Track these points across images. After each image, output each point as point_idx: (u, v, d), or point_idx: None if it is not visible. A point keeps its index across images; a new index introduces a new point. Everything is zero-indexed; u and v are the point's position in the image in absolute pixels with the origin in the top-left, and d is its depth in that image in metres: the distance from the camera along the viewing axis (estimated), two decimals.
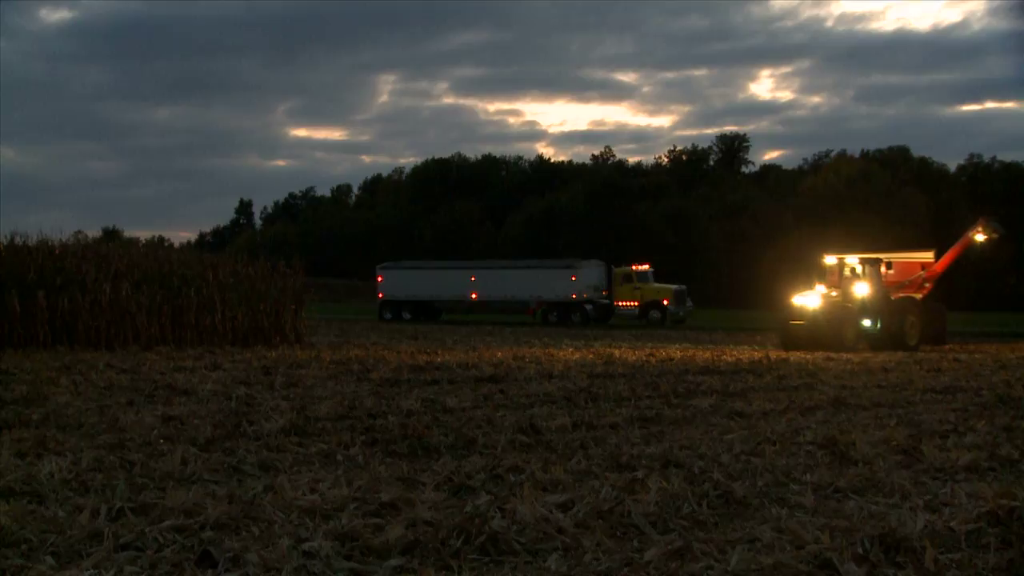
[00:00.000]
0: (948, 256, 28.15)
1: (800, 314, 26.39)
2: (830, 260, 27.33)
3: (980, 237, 27.73)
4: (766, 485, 6.78)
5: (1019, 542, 5.25)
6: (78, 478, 6.64)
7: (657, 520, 5.77)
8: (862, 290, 26.52)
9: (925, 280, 28.42)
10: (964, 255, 28.62)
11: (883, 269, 28.06)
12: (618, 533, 5.55)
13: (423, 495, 6.24)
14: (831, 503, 6.38)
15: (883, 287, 26.85)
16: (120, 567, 4.73)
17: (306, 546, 5.06)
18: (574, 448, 8.40)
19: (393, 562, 4.95)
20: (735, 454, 8.03)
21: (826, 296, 26.58)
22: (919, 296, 28.38)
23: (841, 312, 26.12)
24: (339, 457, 7.82)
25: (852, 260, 27.00)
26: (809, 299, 26.45)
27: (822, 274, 27.31)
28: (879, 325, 26.22)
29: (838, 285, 26.77)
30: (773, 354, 23.00)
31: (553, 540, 5.32)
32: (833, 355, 23.09)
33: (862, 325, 26.22)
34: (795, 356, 22.72)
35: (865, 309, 26.33)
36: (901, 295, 27.54)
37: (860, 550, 5.04)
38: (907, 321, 26.50)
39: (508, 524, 5.45)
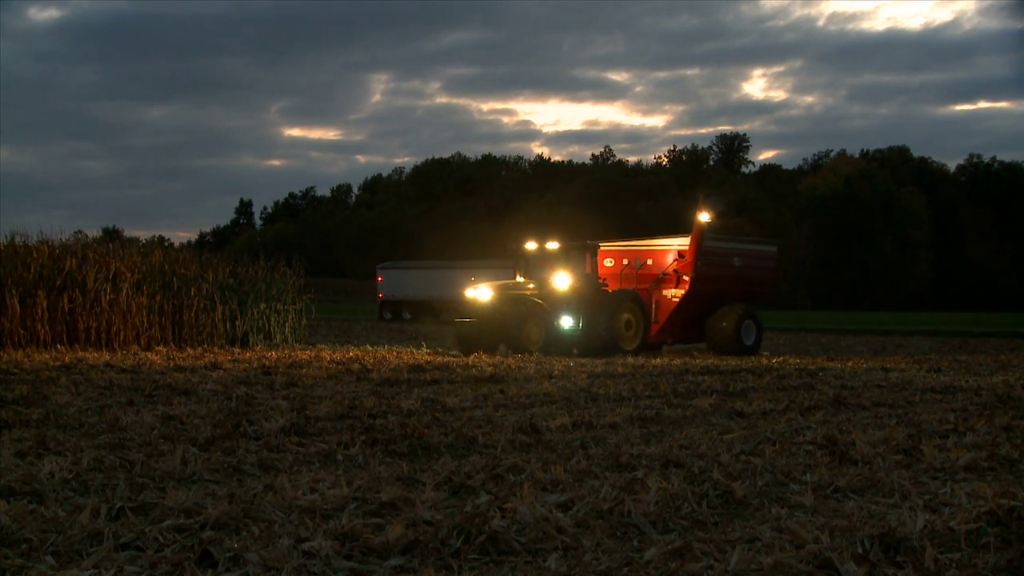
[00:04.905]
0: (691, 245, 24.04)
1: (470, 310, 22.58)
2: (530, 247, 23.39)
3: (705, 217, 23.92)
4: (766, 485, 6.77)
5: (1019, 542, 5.25)
6: (78, 478, 6.64)
7: (657, 520, 5.77)
8: (562, 282, 22.13)
9: (681, 273, 23.99)
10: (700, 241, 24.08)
11: (636, 261, 24.43)
12: (618, 533, 5.55)
13: (423, 495, 6.24)
14: (831, 503, 6.38)
15: (594, 280, 22.60)
16: (120, 567, 4.72)
17: (306, 546, 5.06)
18: (574, 448, 8.40)
19: (393, 562, 4.95)
20: (735, 454, 8.02)
21: (505, 289, 22.68)
22: (680, 292, 23.89)
23: (526, 308, 21.92)
24: (339, 457, 7.81)
25: (552, 246, 23.05)
26: (481, 292, 22.60)
27: (524, 265, 23.53)
28: (581, 324, 21.82)
29: (536, 276, 22.91)
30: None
31: (553, 540, 5.32)
32: (834, 356, 23.04)
33: (559, 324, 21.74)
34: (796, 357, 22.69)
35: (567, 305, 21.88)
36: (617, 289, 23.33)
37: (860, 550, 5.04)
38: (620, 320, 22.23)
39: (508, 524, 5.45)
